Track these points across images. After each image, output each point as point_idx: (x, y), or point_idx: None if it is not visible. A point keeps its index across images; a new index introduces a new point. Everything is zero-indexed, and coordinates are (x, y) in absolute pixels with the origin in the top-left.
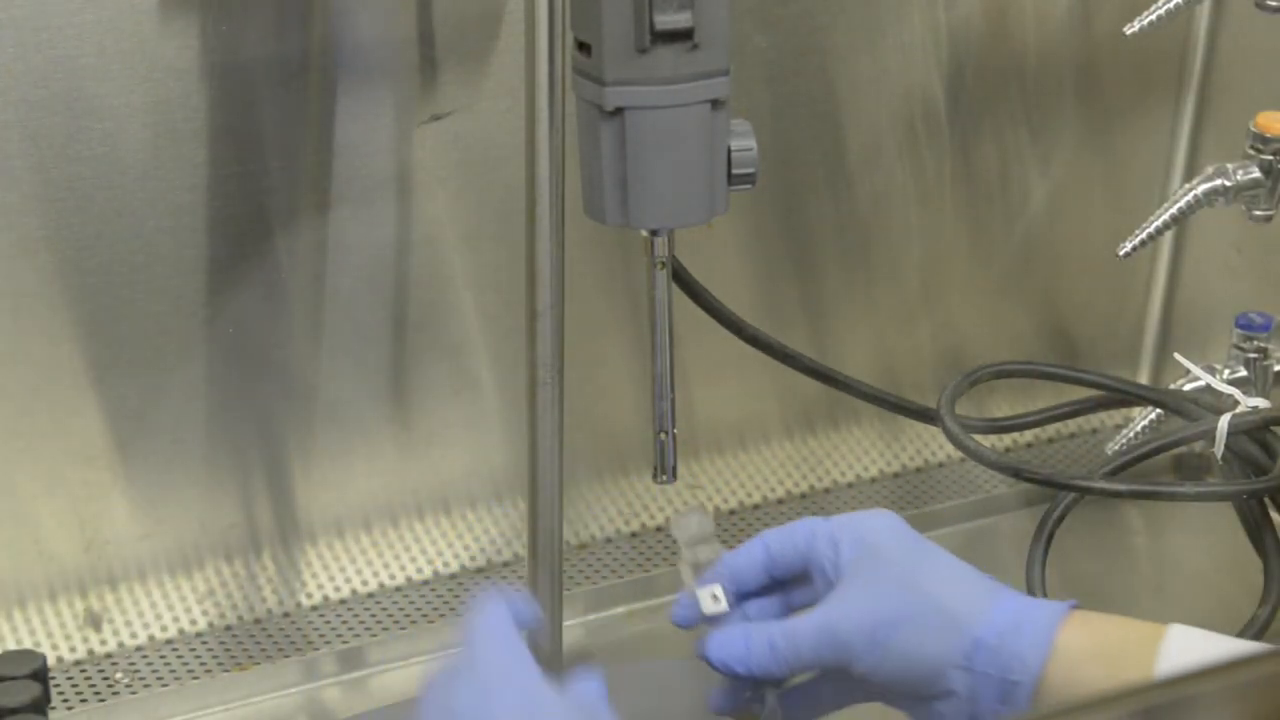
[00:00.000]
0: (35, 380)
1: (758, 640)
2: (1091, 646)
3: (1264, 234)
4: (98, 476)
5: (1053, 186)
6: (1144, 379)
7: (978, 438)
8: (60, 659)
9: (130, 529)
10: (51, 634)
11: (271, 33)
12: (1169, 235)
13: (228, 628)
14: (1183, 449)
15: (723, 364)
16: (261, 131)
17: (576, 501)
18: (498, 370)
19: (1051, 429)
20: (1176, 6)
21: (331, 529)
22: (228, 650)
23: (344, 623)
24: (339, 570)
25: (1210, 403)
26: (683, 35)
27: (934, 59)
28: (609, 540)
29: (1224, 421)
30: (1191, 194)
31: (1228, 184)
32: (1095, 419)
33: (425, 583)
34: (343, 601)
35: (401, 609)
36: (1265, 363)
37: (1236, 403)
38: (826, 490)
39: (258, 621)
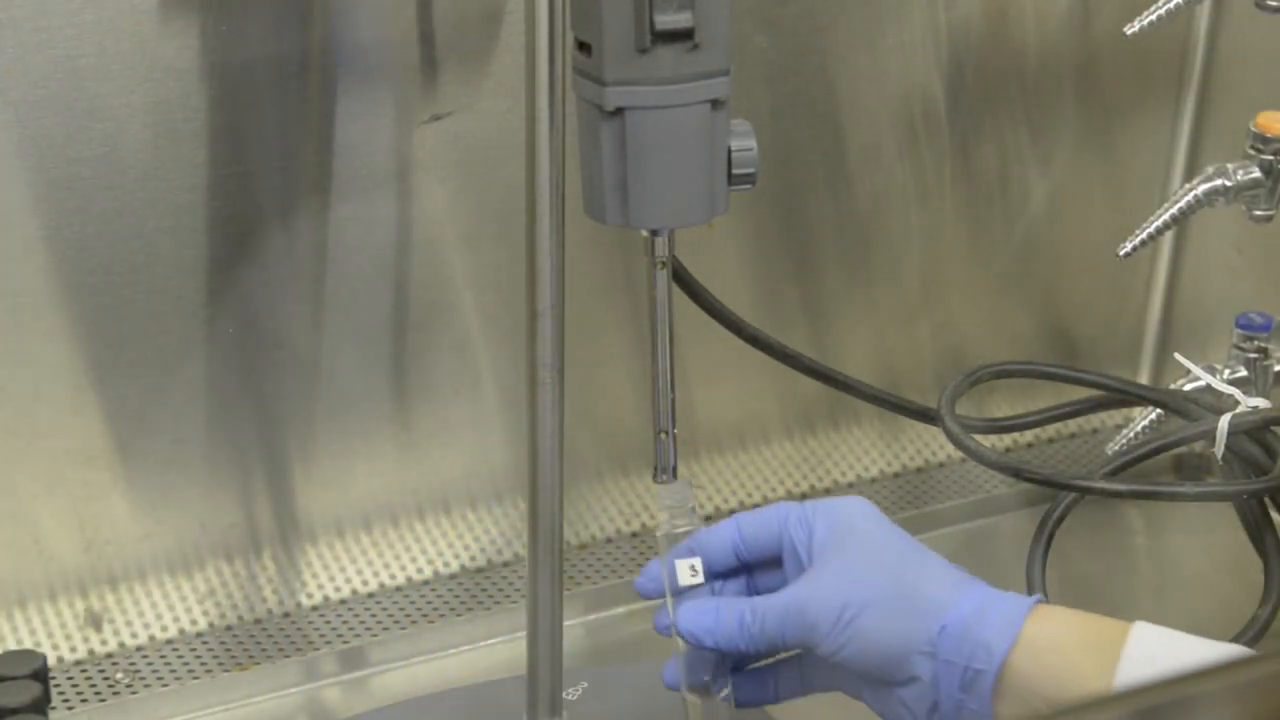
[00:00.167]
0: (35, 380)
1: (728, 614)
2: (1056, 639)
3: (1264, 234)
4: (98, 476)
5: (1053, 186)
6: (1144, 379)
7: (978, 438)
8: (61, 659)
9: (130, 529)
10: (52, 634)
11: (271, 33)
12: (1169, 235)
13: (228, 628)
14: (1183, 449)
15: (723, 364)
16: (261, 131)
17: (577, 501)
18: (498, 370)
19: (1052, 429)
20: (1176, 6)
21: (332, 529)
22: (228, 650)
23: (344, 623)
24: (339, 570)
25: (1210, 403)
26: (683, 35)
27: (934, 59)
28: (609, 540)
29: (1224, 421)
30: (1192, 194)
31: (1228, 184)
32: (1095, 419)
33: (425, 583)
34: (343, 601)
35: (401, 609)
36: (1265, 363)
37: (1237, 403)
38: (827, 490)
39: (258, 621)
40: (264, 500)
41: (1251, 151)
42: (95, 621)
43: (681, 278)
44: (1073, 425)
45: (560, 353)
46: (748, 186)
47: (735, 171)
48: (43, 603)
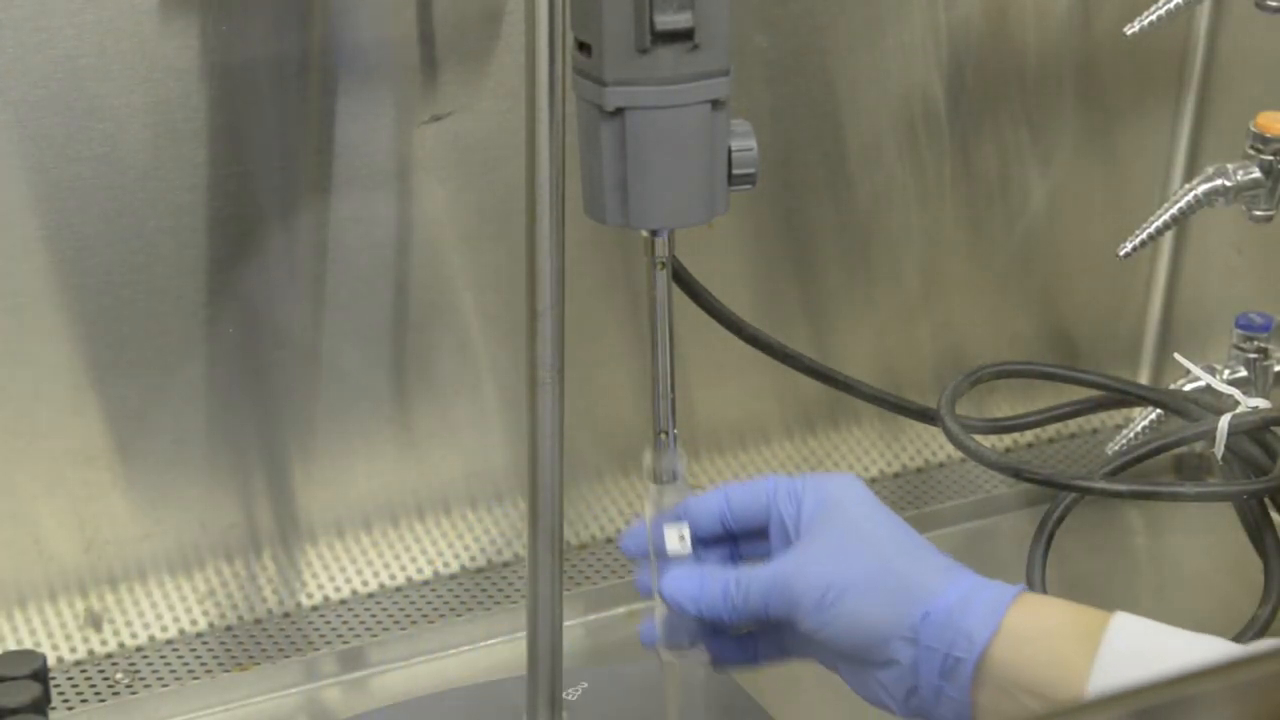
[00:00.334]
0: (35, 380)
1: (712, 583)
2: (1037, 628)
3: (1264, 234)
4: (98, 476)
5: (1053, 186)
6: (1144, 379)
7: (978, 438)
8: (60, 659)
9: (130, 529)
10: (52, 634)
11: (271, 33)
12: (1169, 235)
13: (228, 628)
14: (1183, 449)
15: (723, 364)
16: (261, 131)
17: (577, 501)
18: (498, 370)
19: (1052, 429)
20: (1176, 6)
21: (332, 529)
22: (228, 650)
23: (344, 623)
24: (339, 570)
25: (1210, 403)
26: (683, 35)
27: (934, 59)
28: (609, 540)
29: (1224, 422)
30: (1191, 194)
31: (1228, 184)
32: (1095, 419)
33: (425, 583)
34: (343, 602)
35: (402, 609)
36: (1265, 363)
37: (1237, 403)
38: None
39: (258, 622)
40: (264, 500)
41: (1251, 151)
42: (95, 621)
43: (681, 278)
44: (1073, 425)
45: (560, 353)
46: (748, 187)
47: (735, 172)
48: (43, 603)
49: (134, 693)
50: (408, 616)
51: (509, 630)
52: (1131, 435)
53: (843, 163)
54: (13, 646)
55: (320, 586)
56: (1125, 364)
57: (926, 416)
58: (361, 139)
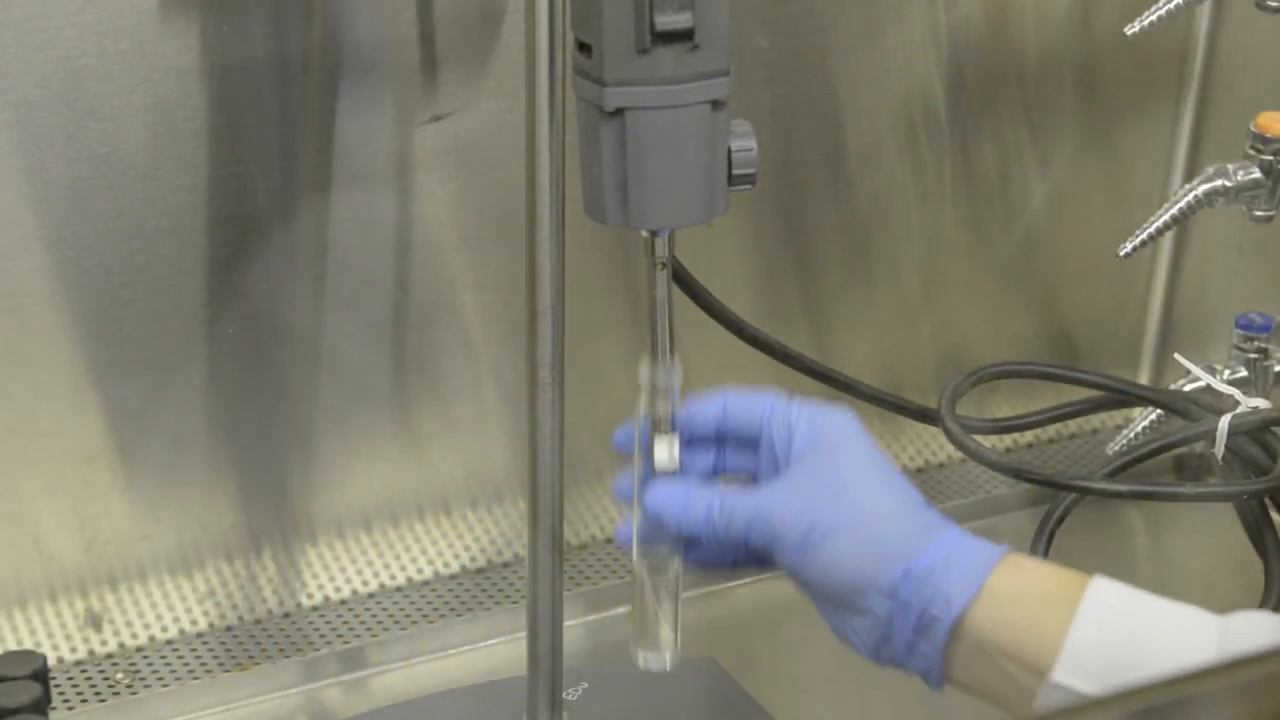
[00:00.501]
0: (35, 380)
1: (697, 504)
2: (1016, 591)
3: (1264, 234)
4: (98, 476)
5: (1053, 186)
6: (1144, 379)
7: (978, 438)
8: (61, 659)
9: (130, 529)
10: (52, 634)
11: (271, 33)
12: (1169, 236)
13: (228, 628)
14: (1183, 449)
15: (723, 364)
16: (261, 131)
17: (577, 502)
18: (498, 370)
19: (1052, 429)
20: (1176, 7)
21: (332, 529)
22: (228, 650)
23: (344, 623)
24: (339, 571)
25: (1211, 403)
26: (683, 36)
27: (934, 59)
28: (609, 540)
29: (1224, 422)
30: (1192, 194)
31: (1228, 184)
32: (1095, 419)
33: (425, 583)
34: (343, 602)
35: (402, 609)
36: (1266, 363)
37: (1237, 403)
38: None
39: (258, 622)
40: (264, 500)
41: (1251, 152)
42: (95, 622)
43: (681, 278)
44: (1073, 425)
45: (560, 353)
46: (748, 187)
47: (735, 172)
48: (43, 603)
49: (134, 693)
50: (408, 616)
51: (509, 630)
52: (1132, 435)
53: (843, 163)
54: (13, 646)
55: (320, 586)
56: (1125, 364)
57: (927, 416)
58: (361, 139)
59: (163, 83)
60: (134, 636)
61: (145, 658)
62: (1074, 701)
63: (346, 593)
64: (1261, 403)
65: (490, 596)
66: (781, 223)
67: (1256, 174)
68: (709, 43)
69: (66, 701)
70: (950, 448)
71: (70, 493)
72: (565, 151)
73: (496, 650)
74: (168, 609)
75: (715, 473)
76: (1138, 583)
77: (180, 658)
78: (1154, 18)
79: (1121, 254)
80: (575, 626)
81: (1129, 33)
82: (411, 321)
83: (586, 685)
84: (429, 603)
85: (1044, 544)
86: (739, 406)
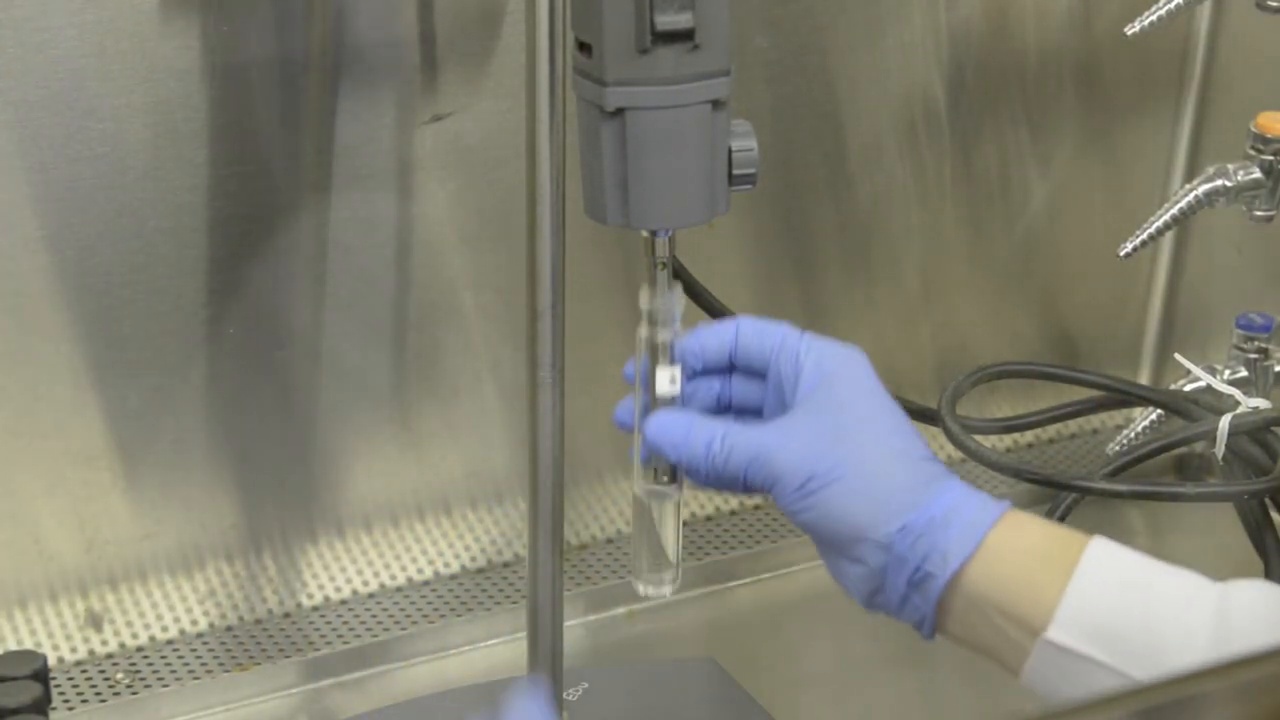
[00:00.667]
0: (35, 380)
1: (698, 436)
2: (1015, 548)
3: (1264, 234)
4: (98, 476)
5: (1053, 186)
6: (1145, 379)
7: (978, 438)
8: (61, 659)
9: (131, 529)
10: (52, 634)
11: (272, 33)
12: (1170, 235)
13: (228, 628)
14: (1183, 449)
15: None
16: (262, 132)
17: (577, 502)
18: (498, 370)
19: (1052, 429)
20: (1177, 6)
21: (332, 529)
22: (228, 650)
23: (345, 623)
24: (339, 571)
25: (1211, 403)
26: (683, 36)
27: (934, 59)
28: (609, 540)
29: (1225, 422)
30: (1192, 194)
31: (1228, 184)
32: (1096, 419)
33: (426, 583)
34: (343, 602)
35: (402, 609)
36: (1266, 363)
37: (1237, 403)
38: None
39: (258, 622)
40: (264, 500)
41: (1252, 152)
42: (95, 622)
43: (681, 278)
44: (1073, 425)
45: (560, 353)
46: (748, 187)
47: (736, 172)
48: (43, 603)
49: (134, 693)
50: (408, 616)
51: (509, 630)
52: (1132, 435)
53: (843, 163)
54: (13, 646)
55: (320, 587)
56: (1126, 364)
57: (927, 416)
58: (362, 139)
59: (163, 83)
60: (134, 636)
61: (145, 658)
62: (1071, 702)
63: (347, 593)
64: (1262, 403)
65: (490, 596)
66: (781, 223)
67: (1257, 174)
68: (709, 43)
69: (67, 701)
70: (950, 448)
71: (70, 493)
72: (566, 151)
73: (496, 650)
74: (168, 609)
75: (720, 402)
76: None
77: (180, 658)
78: (1154, 18)
79: (1122, 254)
80: (575, 626)
81: (1129, 33)
82: (411, 321)
83: (586, 685)
84: (429, 603)
85: None
86: (750, 335)
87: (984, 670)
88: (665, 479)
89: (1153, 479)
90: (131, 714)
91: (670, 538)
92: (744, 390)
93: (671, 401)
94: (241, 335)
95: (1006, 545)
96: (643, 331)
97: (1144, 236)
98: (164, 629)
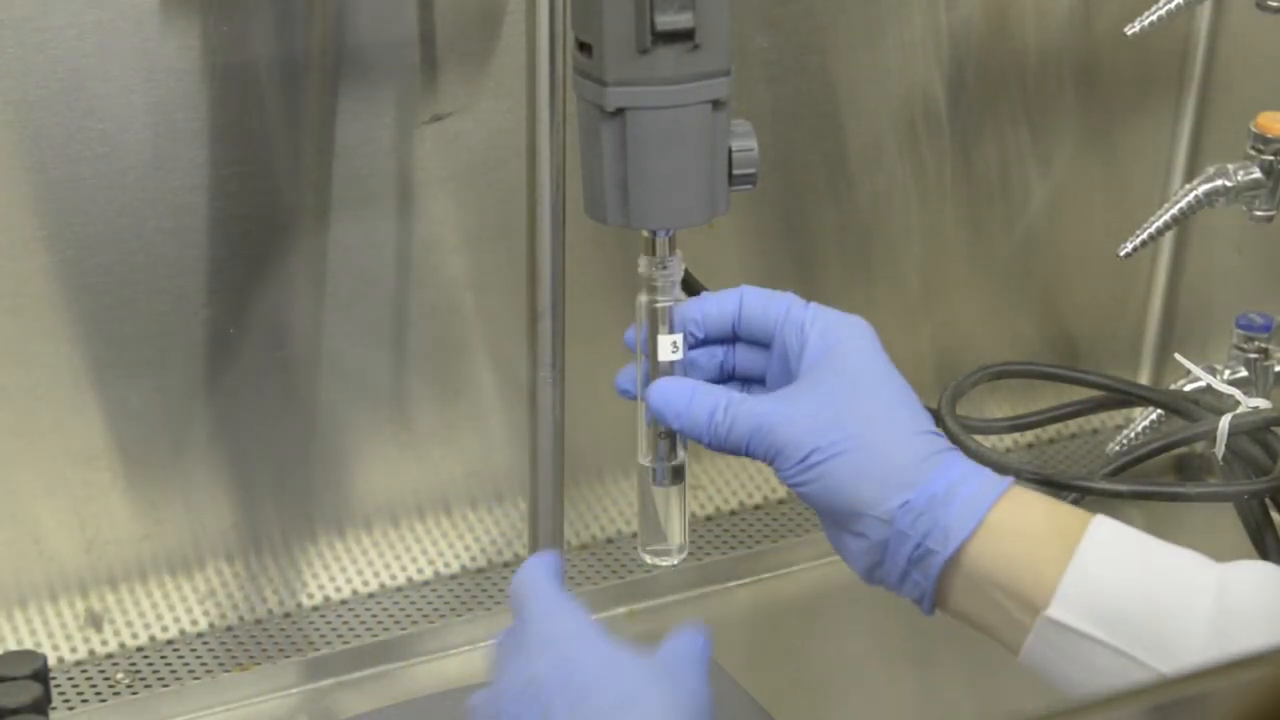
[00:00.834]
0: (35, 380)
1: (701, 404)
2: (1017, 526)
3: (1265, 234)
4: (98, 476)
5: (1053, 186)
6: (1145, 379)
7: (978, 438)
8: (61, 659)
9: (131, 529)
10: (52, 634)
11: (272, 33)
12: (1170, 235)
13: (228, 628)
14: (1184, 449)
15: None
16: (262, 132)
17: (577, 502)
18: (498, 370)
19: (1052, 429)
20: (1177, 6)
21: (332, 529)
22: (228, 650)
23: (345, 623)
24: (340, 571)
25: (1211, 403)
26: (684, 36)
27: (935, 59)
28: (609, 540)
29: (1225, 422)
30: (1192, 194)
31: (1228, 184)
32: (1096, 419)
33: (426, 583)
34: (343, 602)
35: (402, 609)
36: (1266, 363)
37: (1237, 403)
38: None
39: (258, 622)
40: (264, 500)
41: (1252, 152)
42: (95, 622)
43: (682, 277)
44: (1073, 425)
45: (560, 353)
46: (748, 187)
47: (736, 172)
48: (43, 603)
49: (134, 693)
50: (408, 617)
51: None
52: (1132, 435)
53: (843, 163)
54: (13, 646)
55: (320, 587)
56: (1126, 364)
57: None
58: (362, 139)
59: (163, 83)
60: (134, 636)
61: (145, 658)
62: (1072, 702)
63: (347, 593)
64: (1262, 403)
65: (490, 596)
66: (781, 223)
67: (1256, 174)
68: (709, 43)
69: (67, 701)
70: None
71: (70, 493)
72: (566, 151)
73: None
74: (168, 609)
75: (723, 369)
76: None
77: (180, 658)
78: (1154, 18)
79: (1122, 254)
80: None
81: (1129, 33)
82: (411, 321)
83: None
84: (429, 603)
85: None
86: (755, 305)
87: (984, 670)
88: (668, 446)
89: (1153, 479)
90: (131, 714)
91: (676, 508)
92: (747, 359)
93: (673, 369)
94: (241, 335)
95: (1008, 523)
96: (643, 298)
97: (1144, 236)
98: (164, 629)
